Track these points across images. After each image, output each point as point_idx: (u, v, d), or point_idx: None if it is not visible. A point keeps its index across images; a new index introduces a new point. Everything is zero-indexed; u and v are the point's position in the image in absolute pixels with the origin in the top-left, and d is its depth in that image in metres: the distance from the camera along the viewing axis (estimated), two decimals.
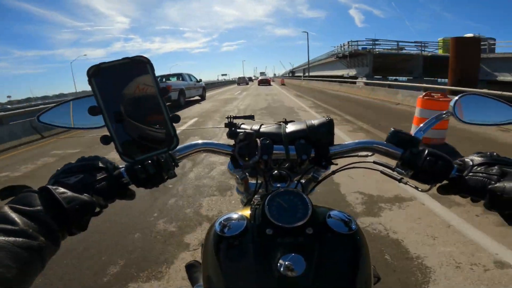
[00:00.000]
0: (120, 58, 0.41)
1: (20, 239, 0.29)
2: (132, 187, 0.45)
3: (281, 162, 0.60)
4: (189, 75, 13.62)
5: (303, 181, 0.64)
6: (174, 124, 0.43)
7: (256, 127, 0.60)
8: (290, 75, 78.74)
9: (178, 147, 0.49)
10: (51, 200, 0.34)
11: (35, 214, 0.32)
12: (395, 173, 0.53)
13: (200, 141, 0.56)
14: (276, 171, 0.56)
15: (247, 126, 0.61)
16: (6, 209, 0.32)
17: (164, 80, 12.31)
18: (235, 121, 0.60)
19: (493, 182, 0.41)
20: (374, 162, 0.57)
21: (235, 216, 0.48)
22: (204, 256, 0.49)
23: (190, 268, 0.68)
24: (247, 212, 0.49)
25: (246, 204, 0.69)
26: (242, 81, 40.09)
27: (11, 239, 0.29)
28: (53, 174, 0.41)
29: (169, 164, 0.45)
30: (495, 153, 0.46)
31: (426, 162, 0.47)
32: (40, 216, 0.32)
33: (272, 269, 0.39)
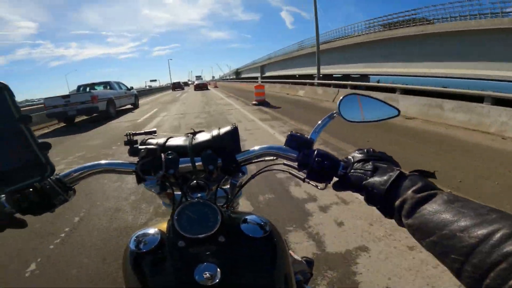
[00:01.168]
0: None
1: None
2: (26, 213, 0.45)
3: (198, 172, 0.59)
4: (118, 83, 12.67)
5: (226, 187, 0.64)
6: (45, 151, 0.42)
7: (162, 141, 0.59)
8: (234, 77, 63.42)
9: (72, 169, 0.50)
10: None
11: None
12: (300, 173, 0.56)
13: (102, 161, 0.55)
14: (194, 182, 0.56)
15: (152, 141, 0.59)
16: None
17: (88, 89, 11.17)
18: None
19: (368, 178, 0.43)
20: (284, 164, 0.60)
21: (150, 231, 0.49)
22: (124, 275, 0.48)
23: None
24: (163, 226, 0.50)
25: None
26: (177, 86, 36.43)
27: None
28: None
29: (55, 191, 0.45)
30: (371, 149, 0.49)
31: (315, 162, 0.50)
32: None
33: (189, 280, 0.40)
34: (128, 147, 0.55)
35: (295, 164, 0.55)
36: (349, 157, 0.50)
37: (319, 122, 0.60)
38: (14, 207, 0.43)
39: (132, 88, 14.09)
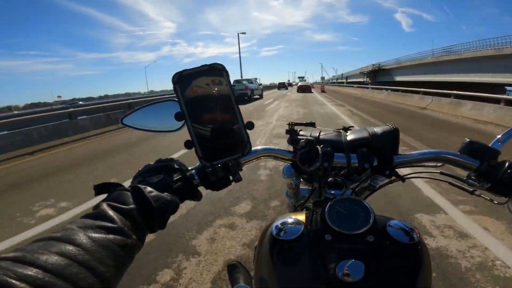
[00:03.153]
0: (199, 65, 0.43)
1: (119, 237, 0.30)
2: (201, 189, 0.47)
3: (338, 169, 0.59)
4: (255, 79, 20.01)
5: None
6: (248, 131, 0.44)
7: (315, 133, 0.61)
8: (368, 80, 45.42)
9: None
10: (142, 199, 0.36)
11: (130, 212, 0.33)
12: (465, 184, 0.53)
13: (260, 147, 0.57)
14: (331, 178, 0.56)
15: (306, 133, 0.62)
16: (105, 206, 0.33)
17: (238, 83, 18.56)
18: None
19: None
20: (441, 173, 0.56)
21: (290, 220, 0.50)
22: (258, 257, 0.51)
23: (232, 268, 0.68)
24: (302, 217, 0.51)
25: (297, 209, 0.73)
26: (282, 86, 46.53)
27: (111, 236, 0.29)
28: (136, 173, 0.44)
29: (236, 168, 0.47)
30: None
31: (506, 175, 0.46)
32: (134, 214, 0.34)
33: (329, 274, 0.40)
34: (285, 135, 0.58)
35: (463, 174, 0.53)
36: None
37: (506, 131, 0.56)
38: (202, 180, 0.46)
39: (261, 84, 21.08)
